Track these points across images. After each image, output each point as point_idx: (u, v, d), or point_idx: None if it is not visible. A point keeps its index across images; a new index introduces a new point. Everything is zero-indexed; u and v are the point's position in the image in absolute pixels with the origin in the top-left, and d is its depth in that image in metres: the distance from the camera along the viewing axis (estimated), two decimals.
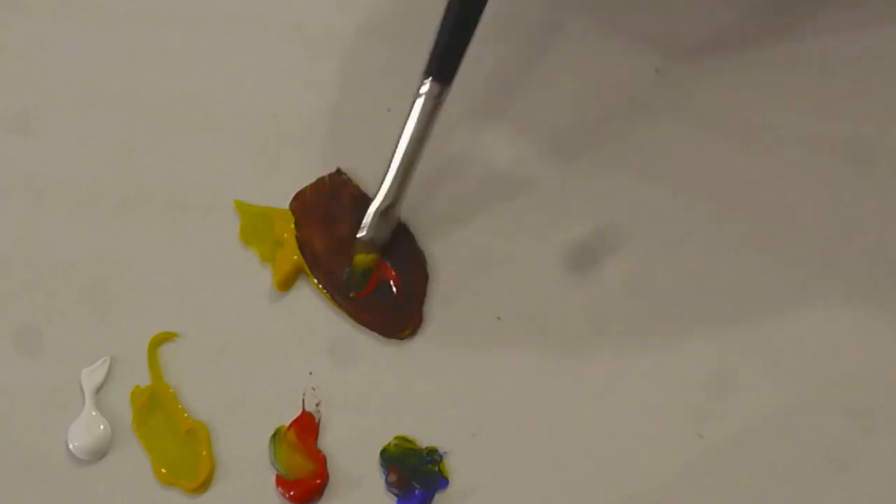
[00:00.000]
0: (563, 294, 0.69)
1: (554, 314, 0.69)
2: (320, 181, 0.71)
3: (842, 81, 0.74)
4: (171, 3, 0.76)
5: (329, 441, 0.66)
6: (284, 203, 0.71)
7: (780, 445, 0.66)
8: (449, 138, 0.72)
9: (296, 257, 0.69)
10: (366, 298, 0.69)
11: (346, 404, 0.67)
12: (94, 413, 0.66)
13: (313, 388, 0.67)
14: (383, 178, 0.68)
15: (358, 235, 0.68)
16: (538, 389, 0.67)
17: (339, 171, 0.71)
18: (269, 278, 0.69)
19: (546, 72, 0.74)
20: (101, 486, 0.65)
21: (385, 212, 0.68)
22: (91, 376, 0.67)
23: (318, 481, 0.65)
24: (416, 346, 0.68)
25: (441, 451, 0.66)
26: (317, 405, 0.67)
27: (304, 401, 0.67)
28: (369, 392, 0.67)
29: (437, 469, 0.65)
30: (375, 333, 0.68)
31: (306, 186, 0.71)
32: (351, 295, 0.68)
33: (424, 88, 0.67)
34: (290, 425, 0.66)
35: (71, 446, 0.65)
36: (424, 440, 0.66)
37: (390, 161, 0.67)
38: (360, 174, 0.71)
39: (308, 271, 0.69)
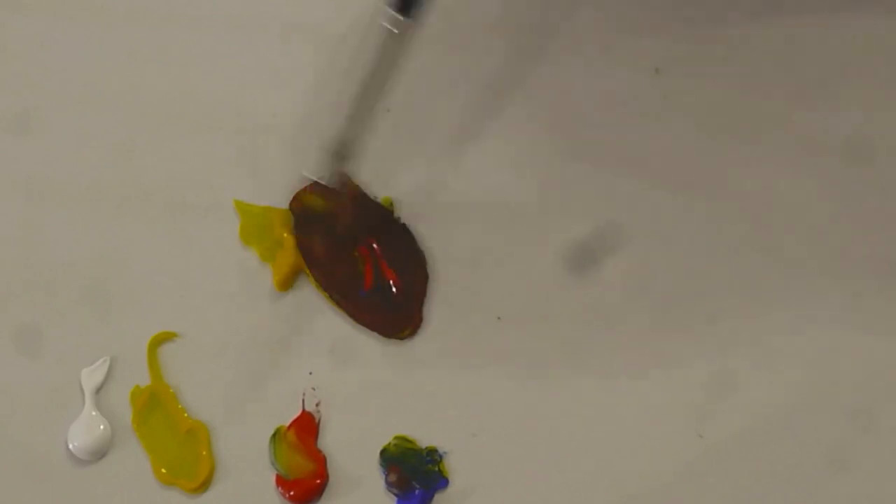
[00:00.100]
0: (563, 294, 0.69)
1: (554, 314, 0.69)
2: (320, 181, 0.71)
3: (842, 81, 0.74)
4: (171, 3, 0.76)
5: (329, 441, 0.66)
6: (284, 203, 0.71)
7: (780, 445, 0.66)
8: (449, 138, 0.72)
9: (296, 257, 0.69)
10: (366, 298, 0.69)
11: (346, 404, 0.67)
12: (94, 413, 0.66)
13: (313, 388, 0.67)
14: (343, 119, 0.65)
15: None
16: (538, 389, 0.67)
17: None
18: (269, 278, 0.69)
19: (546, 72, 0.74)
20: (101, 486, 0.65)
21: (338, 150, 0.66)
22: (91, 376, 0.67)
23: (318, 481, 0.65)
24: (416, 346, 0.68)
25: (441, 451, 0.66)
26: (317, 405, 0.67)
27: (304, 401, 0.67)
28: (369, 392, 0.67)
29: (437, 469, 0.65)
30: (375, 333, 0.68)
31: (306, 186, 0.71)
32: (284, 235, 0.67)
33: (387, 22, 0.63)
34: (290, 425, 0.66)
35: (71, 446, 0.65)
36: (424, 440, 0.66)
37: (351, 101, 0.65)
38: (360, 174, 0.71)
39: (308, 271, 0.69)
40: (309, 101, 0.73)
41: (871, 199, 0.71)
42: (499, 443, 0.66)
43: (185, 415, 0.66)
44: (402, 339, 0.68)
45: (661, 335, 0.68)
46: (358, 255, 0.70)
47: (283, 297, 0.69)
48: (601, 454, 0.66)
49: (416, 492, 0.65)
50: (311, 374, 0.67)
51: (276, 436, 0.66)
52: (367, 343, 0.68)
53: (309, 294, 0.69)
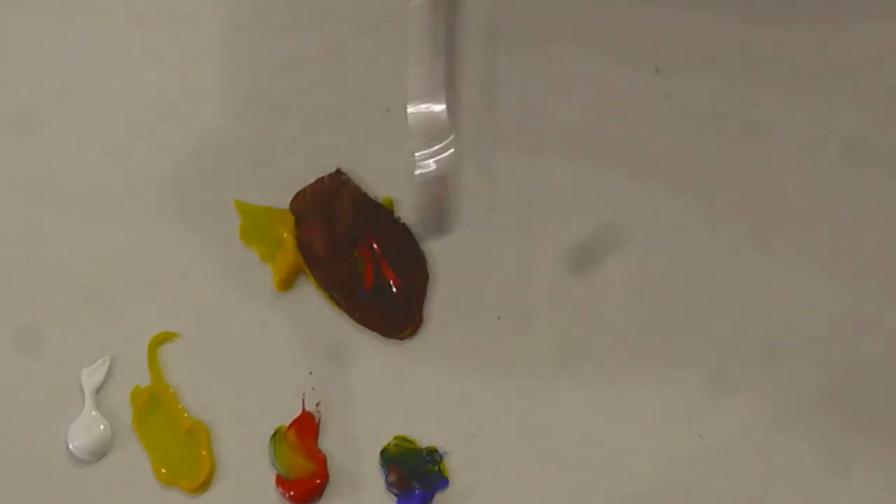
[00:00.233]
0: (563, 294, 0.69)
1: (554, 314, 0.69)
2: (320, 181, 0.71)
3: (841, 81, 0.74)
4: (171, 3, 0.76)
5: (329, 441, 0.66)
6: (284, 203, 0.71)
7: (780, 445, 0.66)
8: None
9: (296, 257, 0.69)
10: (366, 298, 0.69)
11: (346, 404, 0.67)
12: (94, 413, 0.66)
13: (313, 388, 0.67)
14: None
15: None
16: (538, 389, 0.67)
17: (339, 171, 0.71)
18: (269, 278, 0.69)
19: (546, 72, 0.74)
20: (101, 486, 0.65)
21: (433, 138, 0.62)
22: (91, 376, 0.67)
23: (318, 481, 0.65)
24: (416, 346, 0.68)
25: (441, 451, 0.66)
26: (317, 405, 0.67)
27: (304, 401, 0.67)
28: (369, 392, 0.67)
29: (437, 469, 0.65)
30: (375, 333, 0.68)
31: (306, 186, 0.71)
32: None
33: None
34: (290, 425, 0.66)
35: (71, 446, 0.65)
36: (424, 440, 0.66)
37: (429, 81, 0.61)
38: (360, 174, 0.71)
39: (308, 271, 0.69)
40: (309, 100, 0.73)
41: (871, 198, 0.71)
42: (499, 443, 0.66)
43: (185, 415, 0.66)
44: (402, 339, 0.68)
45: (661, 335, 0.68)
46: (358, 255, 0.70)
47: (283, 297, 0.69)
48: (601, 454, 0.66)
49: (416, 492, 0.65)
50: (311, 374, 0.67)
51: (276, 436, 0.66)
52: (367, 343, 0.68)
53: (309, 294, 0.69)
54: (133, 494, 0.65)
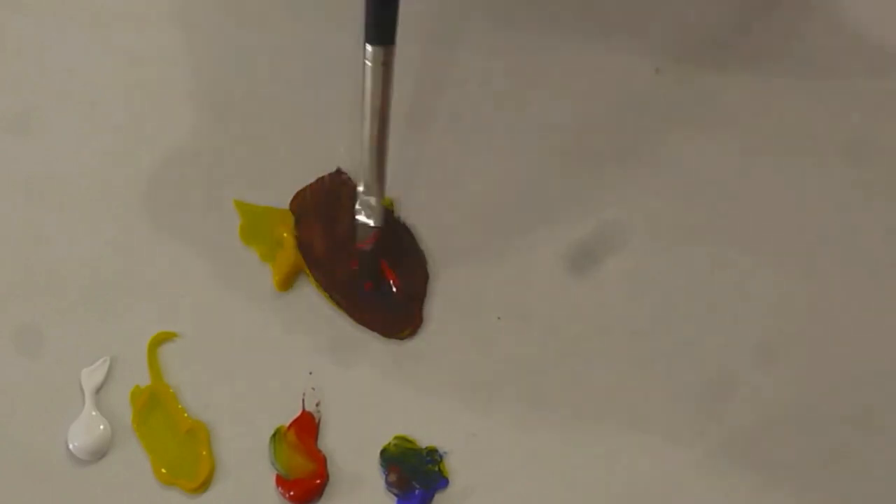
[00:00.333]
0: (563, 294, 0.69)
1: (554, 314, 0.69)
2: (320, 181, 0.71)
3: (842, 81, 0.74)
4: (171, 4, 0.76)
5: (329, 441, 0.66)
6: (284, 203, 0.71)
7: (780, 446, 0.66)
8: (449, 139, 0.72)
9: (296, 257, 0.69)
10: (366, 298, 0.69)
11: (346, 404, 0.67)
12: (94, 413, 0.66)
13: (313, 388, 0.67)
14: (361, 159, 0.66)
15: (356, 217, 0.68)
16: (538, 389, 0.67)
17: (339, 171, 0.71)
18: (269, 278, 0.69)
19: (546, 72, 0.74)
20: (101, 486, 0.65)
21: (371, 191, 0.67)
22: (91, 376, 0.67)
23: (318, 481, 0.65)
24: (416, 346, 0.68)
25: (441, 451, 0.66)
26: (317, 405, 0.67)
27: (304, 401, 0.67)
28: (369, 392, 0.67)
29: (437, 469, 0.65)
30: (375, 333, 0.68)
31: (306, 186, 0.71)
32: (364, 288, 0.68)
33: (368, 56, 0.63)
34: (290, 425, 0.66)
35: (71, 446, 0.65)
36: (424, 440, 0.66)
37: (362, 141, 0.65)
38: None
39: (308, 271, 0.69)
40: (309, 101, 0.73)
41: (871, 199, 0.71)
42: (499, 443, 0.66)
43: (185, 415, 0.66)
44: (402, 339, 0.68)
45: (660, 335, 0.68)
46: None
47: (283, 297, 0.69)
48: (601, 454, 0.66)
49: (416, 492, 0.65)
50: (311, 374, 0.67)
51: (276, 436, 0.66)
52: (367, 343, 0.68)
53: (309, 294, 0.69)
54: (133, 494, 0.65)
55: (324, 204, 0.70)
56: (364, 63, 0.63)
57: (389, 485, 0.65)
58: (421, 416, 0.66)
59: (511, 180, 0.71)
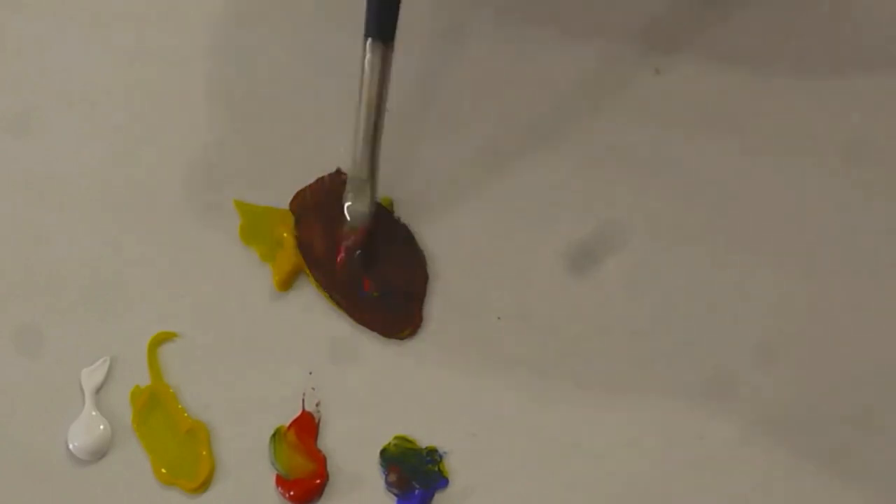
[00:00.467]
0: (563, 294, 0.69)
1: (554, 314, 0.69)
2: (320, 181, 0.71)
3: (842, 81, 0.74)
4: (171, 3, 0.76)
5: (329, 441, 0.66)
6: (284, 203, 0.71)
7: (780, 446, 0.66)
8: (449, 139, 0.72)
9: (296, 257, 0.69)
10: (366, 298, 0.69)
11: (346, 404, 0.67)
12: (94, 413, 0.66)
13: (313, 388, 0.67)
14: (354, 151, 0.67)
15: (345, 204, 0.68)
16: (538, 389, 0.67)
17: (339, 171, 0.71)
18: (269, 278, 0.69)
19: (546, 72, 0.74)
20: (101, 486, 0.65)
21: (361, 184, 0.68)
22: (91, 376, 0.67)
23: (318, 481, 0.65)
24: (416, 346, 0.68)
25: (441, 451, 0.66)
26: (317, 405, 0.67)
27: (304, 401, 0.67)
28: (369, 392, 0.67)
29: (437, 469, 0.65)
30: (375, 333, 0.68)
31: (306, 186, 0.71)
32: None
33: (368, 51, 0.65)
34: (290, 425, 0.66)
35: (71, 446, 0.65)
36: (424, 440, 0.66)
37: (356, 133, 0.67)
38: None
39: (308, 271, 0.69)
40: (309, 100, 0.73)
41: (871, 199, 0.71)
42: (499, 443, 0.66)
43: (185, 415, 0.66)
44: (402, 339, 0.68)
45: (660, 335, 0.68)
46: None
47: (283, 297, 0.69)
48: (601, 454, 0.66)
49: (416, 492, 0.65)
50: (311, 374, 0.67)
51: (276, 436, 0.66)
52: (367, 343, 0.68)
53: (309, 294, 0.69)
54: (133, 494, 0.65)
55: (324, 204, 0.70)
56: (363, 56, 0.64)
57: (389, 485, 0.65)
58: (421, 416, 0.66)
59: (511, 180, 0.71)
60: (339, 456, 0.66)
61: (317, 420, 0.66)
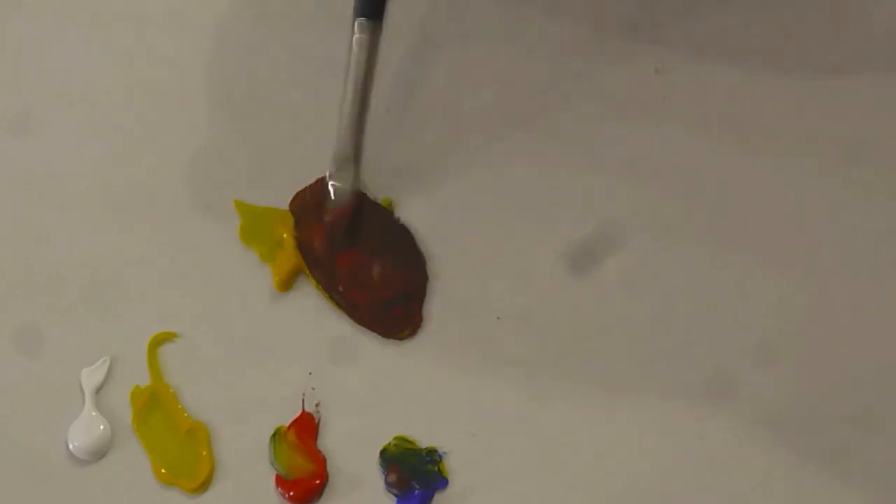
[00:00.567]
0: (563, 294, 0.69)
1: (554, 314, 0.69)
2: (320, 181, 0.71)
3: (841, 81, 0.74)
4: (171, 3, 0.76)
5: (329, 441, 0.66)
6: (284, 203, 0.71)
7: (780, 446, 0.66)
8: (449, 139, 0.72)
9: (296, 258, 0.69)
10: (366, 299, 0.69)
11: (346, 404, 0.67)
12: (94, 413, 0.66)
13: (313, 388, 0.67)
14: (339, 128, 0.68)
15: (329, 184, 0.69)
16: (538, 389, 0.67)
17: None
18: (269, 278, 0.69)
19: (546, 72, 0.74)
20: (101, 486, 0.65)
21: (346, 162, 0.68)
22: (91, 376, 0.67)
23: (318, 481, 0.65)
24: (416, 346, 0.68)
25: (441, 451, 0.66)
26: (317, 405, 0.67)
27: (304, 401, 0.67)
28: (369, 392, 0.67)
29: (436, 469, 0.65)
30: (375, 333, 0.68)
31: (306, 186, 0.71)
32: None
33: (357, 30, 0.67)
34: (290, 425, 0.66)
35: (71, 446, 0.65)
36: (424, 440, 0.66)
37: (341, 111, 0.67)
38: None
39: (308, 271, 0.69)
40: (309, 100, 0.73)
41: (871, 199, 0.71)
42: (499, 443, 0.66)
43: (185, 415, 0.66)
44: (402, 339, 0.68)
45: (660, 336, 0.68)
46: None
47: (283, 297, 0.69)
48: (601, 454, 0.66)
49: (416, 492, 0.65)
50: (311, 374, 0.67)
51: (276, 436, 0.66)
52: (367, 343, 0.68)
53: (309, 294, 0.69)
54: (133, 494, 0.65)
55: (323, 204, 0.70)
56: (351, 35, 0.65)
57: (389, 485, 0.65)
58: (421, 416, 0.66)
59: (511, 180, 0.71)
60: (339, 456, 0.66)
61: (317, 420, 0.66)
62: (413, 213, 0.71)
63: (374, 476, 0.65)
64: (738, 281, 0.69)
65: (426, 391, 0.67)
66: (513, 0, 0.76)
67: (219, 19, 0.75)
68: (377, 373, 0.67)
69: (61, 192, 0.71)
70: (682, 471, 0.65)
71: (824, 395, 0.67)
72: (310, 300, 0.69)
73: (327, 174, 0.69)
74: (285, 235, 0.70)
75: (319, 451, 0.66)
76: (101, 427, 0.66)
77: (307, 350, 0.68)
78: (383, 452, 0.66)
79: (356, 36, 0.66)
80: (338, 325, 0.68)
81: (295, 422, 0.66)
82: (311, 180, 0.71)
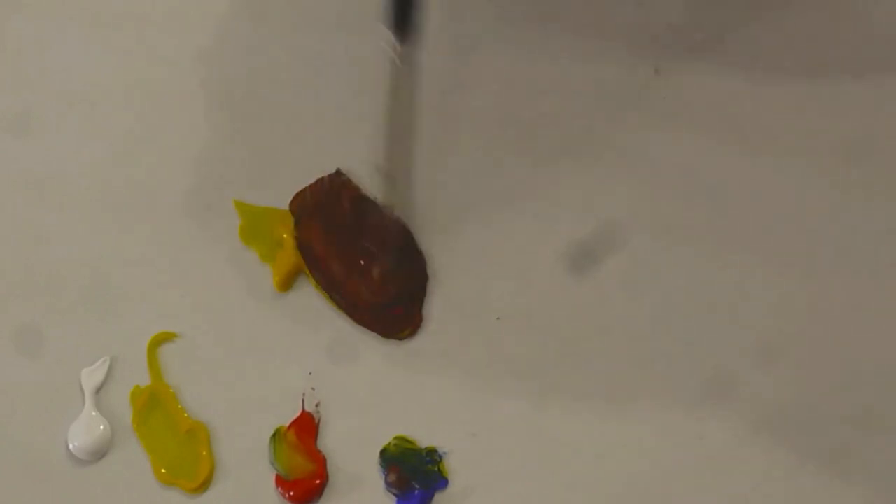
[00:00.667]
0: (563, 294, 0.69)
1: (554, 314, 0.69)
2: (320, 181, 0.71)
3: (841, 81, 0.74)
4: (171, 3, 0.76)
5: (329, 441, 0.66)
6: (284, 203, 0.71)
7: (780, 446, 0.66)
8: (449, 139, 0.72)
9: (296, 257, 0.69)
10: (366, 299, 0.69)
11: (346, 404, 0.67)
12: (94, 413, 0.66)
13: (313, 388, 0.67)
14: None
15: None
16: (538, 389, 0.67)
17: (338, 172, 0.71)
18: (269, 278, 0.69)
19: (546, 72, 0.74)
20: (101, 486, 0.65)
21: (387, 175, 0.68)
22: (91, 376, 0.67)
23: (318, 481, 0.65)
24: (416, 346, 0.68)
25: (441, 451, 0.66)
26: (317, 405, 0.67)
27: (304, 401, 0.67)
28: (369, 392, 0.67)
29: (436, 469, 0.65)
30: (375, 333, 0.68)
31: (306, 187, 0.71)
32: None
33: (391, 51, 0.64)
34: (290, 425, 0.66)
35: (71, 446, 0.65)
36: (424, 440, 0.66)
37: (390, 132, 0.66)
38: (360, 174, 0.71)
39: (308, 271, 0.69)
40: (309, 101, 0.73)
41: (871, 198, 0.71)
42: (499, 443, 0.66)
43: (185, 415, 0.66)
44: (402, 339, 0.68)
45: (660, 336, 0.68)
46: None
47: (283, 297, 0.69)
48: (601, 454, 0.66)
49: (416, 492, 0.65)
50: (310, 374, 0.67)
51: (276, 436, 0.66)
52: (367, 343, 0.68)
53: (309, 294, 0.69)
54: (133, 494, 0.65)
55: (324, 204, 0.70)
56: (388, 57, 0.64)
57: (389, 485, 0.65)
58: (421, 416, 0.66)
59: (511, 180, 0.71)
60: (339, 456, 0.66)
61: (317, 420, 0.66)
62: (413, 214, 0.71)
63: (374, 476, 0.65)
64: (738, 281, 0.69)
65: (426, 391, 0.67)
66: (513, 2, 0.76)
67: (219, 19, 0.76)
68: (377, 373, 0.67)
69: (61, 192, 0.71)
70: (682, 471, 0.65)
71: (824, 395, 0.67)
72: (310, 300, 0.69)
73: (380, 202, 0.69)
74: (285, 235, 0.70)
75: (319, 451, 0.66)
76: (101, 427, 0.66)
77: (307, 350, 0.68)
78: (383, 452, 0.66)
79: (392, 61, 0.64)
80: (338, 325, 0.68)
81: (295, 422, 0.66)
82: (311, 180, 0.71)
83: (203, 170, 0.72)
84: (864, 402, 0.67)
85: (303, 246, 0.69)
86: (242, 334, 0.68)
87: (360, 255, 0.69)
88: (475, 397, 0.67)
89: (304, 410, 0.66)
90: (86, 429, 0.66)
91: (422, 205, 0.71)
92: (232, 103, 0.73)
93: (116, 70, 0.74)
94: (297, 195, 0.71)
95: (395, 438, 0.66)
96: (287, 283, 0.69)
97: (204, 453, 0.66)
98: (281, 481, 0.65)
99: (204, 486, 0.65)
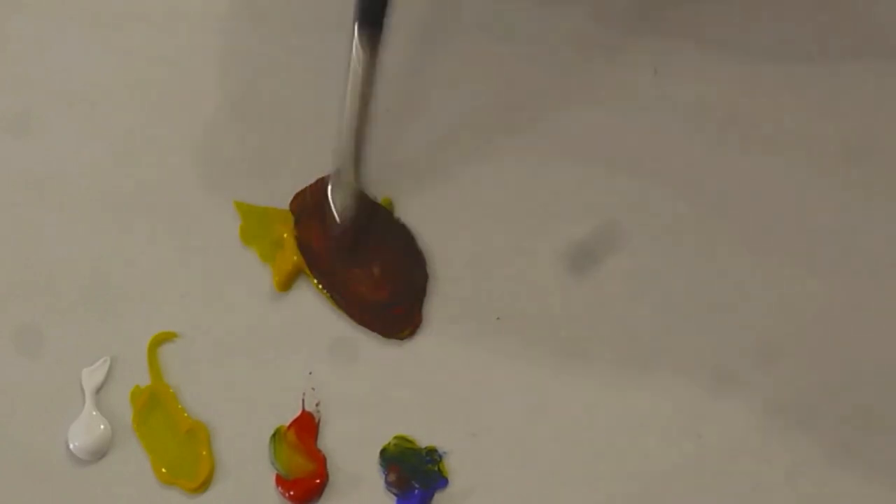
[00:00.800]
0: (563, 294, 0.69)
1: (554, 314, 0.69)
2: (320, 181, 0.71)
3: (841, 81, 0.74)
4: (171, 3, 0.76)
5: (329, 441, 0.66)
6: (284, 203, 0.71)
7: (779, 446, 0.66)
8: (448, 139, 0.72)
9: (296, 257, 0.69)
10: (365, 299, 0.69)
11: (346, 404, 0.67)
12: (94, 413, 0.66)
13: (313, 388, 0.67)
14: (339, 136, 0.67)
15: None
16: (538, 389, 0.67)
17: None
18: (269, 278, 0.69)
19: (546, 72, 0.74)
20: (101, 486, 0.65)
21: (346, 170, 0.68)
22: (91, 376, 0.67)
23: (318, 481, 0.65)
24: (416, 346, 0.68)
25: (441, 451, 0.66)
26: (317, 405, 0.67)
27: (304, 401, 0.67)
28: (369, 392, 0.67)
29: (436, 469, 0.65)
30: (375, 333, 0.68)
31: (306, 186, 0.71)
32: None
33: (356, 37, 0.65)
34: (290, 425, 0.66)
35: (71, 446, 0.65)
36: (424, 440, 0.66)
37: (341, 118, 0.67)
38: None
39: (308, 271, 0.69)
40: (309, 101, 0.73)
41: (871, 198, 0.71)
42: (499, 443, 0.66)
43: (185, 415, 0.66)
44: (402, 339, 0.68)
45: (660, 335, 0.68)
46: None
47: (283, 297, 0.69)
48: (601, 454, 0.66)
49: (416, 491, 0.65)
50: (311, 374, 0.67)
51: (276, 436, 0.66)
52: (367, 343, 0.68)
53: (309, 294, 0.69)
54: (133, 494, 0.65)
55: (324, 204, 0.70)
56: (351, 44, 0.64)
57: (389, 484, 0.65)
58: (421, 416, 0.66)
59: (511, 180, 0.71)
60: (339, 456, 0.66)
61: (317, 420, 0.66)
62: (413, 213, 0.71)
63: (374, 476, 0.65)
64: (738, 281, 0.69)
65: (426, 391, 0.67)
66: (511, 1, 0.76)
67: (219, 19, 0.75)
68: (377, 373, 0.67)
69: (61, 192, 0.71)
70: (682, 470, 0.65)
71: (824, 395, 0.67)
72: (310, 300, 0.69)
73: (328, 190, 0.69)
74: (285, 235, 0.70)
75: (319, 451, 0.66)
76: (102, 427, 0.66)
77: (307, 350, 0.68)
78: (383, 452, 0.66)
79: (356, 43, 0.65)
80: (338, 325, 0.68)
81: (295, 422, 0.66)
82: (311, 180, 0.71)
83: (203, 170, 0.72)
84: (864, 402, 0.67)
85: (303, 246, 0.69)
86: (242, 334, 0.68)
87: (360, 255, 0.69)
88: (475, 397, 0.67)
89: (304, 410, 0.66)
90: (86, 429, 0.66)
91: (422, 205, 0.71)
92: (232, 103, 0.73)
93: (116, 70, 0.74)
94: (297, 195, 0.71)
95: (395, 438, 0.66)
96: (287, 283, 0.69)
97: (204, 453, 0.66)
98: (281, 481, 0.65)
99: (204, 485, 0.65)
